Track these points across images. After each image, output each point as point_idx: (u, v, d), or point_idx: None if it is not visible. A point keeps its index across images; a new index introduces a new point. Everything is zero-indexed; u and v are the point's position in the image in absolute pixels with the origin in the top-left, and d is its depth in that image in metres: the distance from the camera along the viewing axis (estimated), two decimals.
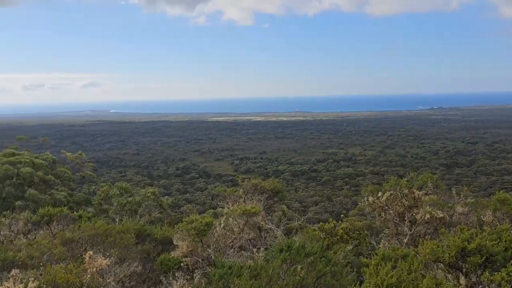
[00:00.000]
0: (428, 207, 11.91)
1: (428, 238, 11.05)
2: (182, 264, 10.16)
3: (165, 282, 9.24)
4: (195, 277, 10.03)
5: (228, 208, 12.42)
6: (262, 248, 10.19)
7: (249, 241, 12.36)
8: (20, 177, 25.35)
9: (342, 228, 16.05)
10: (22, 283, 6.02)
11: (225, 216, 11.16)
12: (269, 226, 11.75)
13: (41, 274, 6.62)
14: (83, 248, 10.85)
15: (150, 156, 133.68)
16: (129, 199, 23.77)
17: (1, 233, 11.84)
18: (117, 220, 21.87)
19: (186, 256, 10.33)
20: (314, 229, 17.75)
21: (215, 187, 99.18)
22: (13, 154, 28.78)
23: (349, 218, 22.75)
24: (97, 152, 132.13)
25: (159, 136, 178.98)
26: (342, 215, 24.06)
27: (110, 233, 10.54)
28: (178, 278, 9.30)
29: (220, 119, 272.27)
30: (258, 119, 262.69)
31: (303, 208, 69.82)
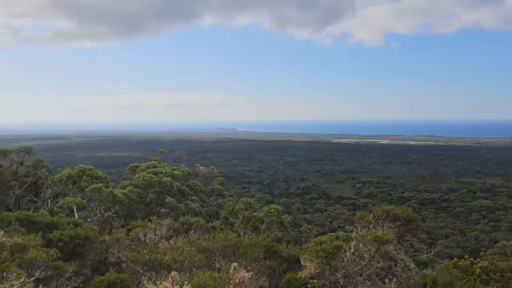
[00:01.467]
0: None
1: None
2: (309, 286, 10.06)
3: None
4: None
5: (357, 233, 12.00)
6: (394, 280, 9.58)
7: (377, 270, 11.74)
8: (161, 186, 28.17)
9: (480, 267, 14.31)
10: (177, 284, 6.61)
11: (355, 241, 10.78)
12: (401, 257, 11.01)
13: (190, 278, 7.19)
14: (216, 257, 11.49)
15: (272, 174, 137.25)
16: (254, 214, 24.62)
17: (147, 236, 13.21)
18: (241, 233, 22.75)
19: (313, 278, 10.21)
20: (446, 265, 16.12)
21: (336, 209, 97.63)
22: (155, 166, 32.16)
23: (489, 257, 20.32)
24: (224, 168, 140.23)
25: (281, 155, 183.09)
26: (482, 253, 21.46)
27: (241, 245, 10.99)
28: None
29: (342, 140, 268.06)
30: (384, 142, 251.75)
31: (431, 240, 64.31)
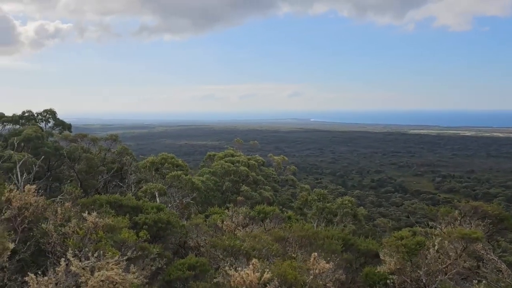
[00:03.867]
0: None
1: None
2: (388, 281, 9.71)
3: None
4: None
5: (441, 229, 11.32)
6: (483, 281, 8.91)
7: (463, 270, 11.01)
8: (237, 175, 28.86)
9: None
10: (258, 272, 6.74)
11: (440, 238, 10.18)
12: (491, 257, 10.21)
13: (270, 266, 7.30)
14: (292, 247, 11.50)
15: (346, 165, 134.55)
16: (328, 205, 24.34)
17: (225, 223, 13.59)
18: (314, 224, 22.58)
19: (393, 274, 9.83)
20: None
21: (413, 204, 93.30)
22: (232, 155, 32.99)
23: None
24: (296, 158, 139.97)
25: (355, 146, 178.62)
26: None
27: (318, 237, 10.88)
28: None
29: (421, 131, 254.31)
30: (467, 134, 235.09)
31: None
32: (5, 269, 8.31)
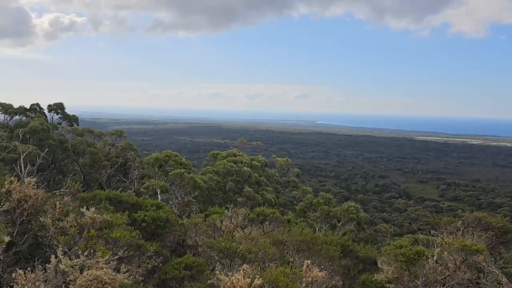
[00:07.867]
0: None
1: None
2: None
3: None
4: None
5: (443, 239, 11.15)
6: None
7: (462, 281, 10.84)
8: (240, 175, 28.74)
9: None
10: (249, 277, 6.65)
11: (440, 248, 10.03)
12: (492, 269, 10.03)
13: (262, 272, 7.21)
14: (290, 251, 11.40)
15: (350, 169, 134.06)
16: (334, 209, 24.22)
17: (224, 223, 13.51)
18: (317, 228, 22.47)
19: (390, 282, 9.69)
20: None
21: (416, 210, 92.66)
22: (235, 155, 32.88)
23: None
24: (300, 160, 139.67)
25: (361, 151, 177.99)
26: None
27: (316, 242, 10.77)
28: None
29: (428, 138, 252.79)
30: (474, 142, 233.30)
31: None
32: (0, 261, 8.29)
